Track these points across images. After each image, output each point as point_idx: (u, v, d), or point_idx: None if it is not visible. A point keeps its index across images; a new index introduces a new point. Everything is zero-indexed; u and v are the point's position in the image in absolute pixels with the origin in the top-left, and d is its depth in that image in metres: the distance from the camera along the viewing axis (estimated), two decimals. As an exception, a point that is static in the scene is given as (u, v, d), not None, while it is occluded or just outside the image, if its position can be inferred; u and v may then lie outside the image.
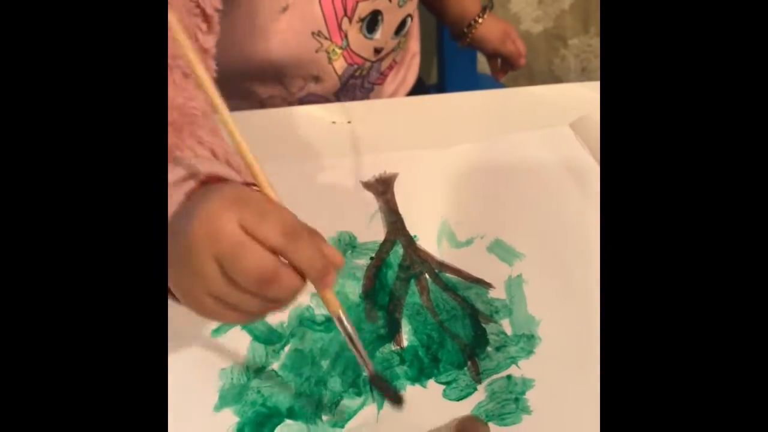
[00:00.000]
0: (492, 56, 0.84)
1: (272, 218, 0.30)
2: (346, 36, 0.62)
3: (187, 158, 0.35)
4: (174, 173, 0.34)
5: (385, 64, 0.70)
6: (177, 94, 0.38)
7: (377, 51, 0.66)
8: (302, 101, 0.66)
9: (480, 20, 0.79)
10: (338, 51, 0.63)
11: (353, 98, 0.69)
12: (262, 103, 0.66)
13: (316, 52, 0.61)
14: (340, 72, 0.64)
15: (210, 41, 0.45)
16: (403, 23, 0.67)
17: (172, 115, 0.37)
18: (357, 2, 0.60)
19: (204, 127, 0.38)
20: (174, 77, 0.39)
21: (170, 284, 0.32)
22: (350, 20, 0.61)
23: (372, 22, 0.63)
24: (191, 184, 0.34)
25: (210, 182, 0.35)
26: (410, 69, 0.77)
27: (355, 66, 0.65)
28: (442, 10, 0.82)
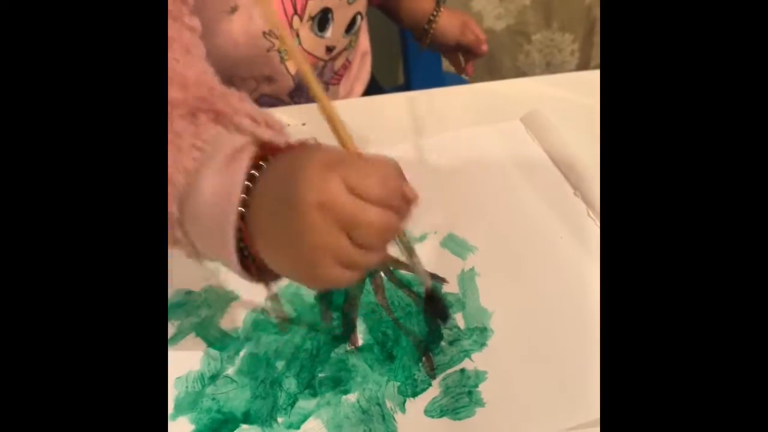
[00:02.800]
0: (453, 52, 0.84)
1: (371, 173, 0.31)
2: (297, 35, 0.62)
3: (236, 126, 0.35)
4: (231, 140, 0.33)
5: (338, 64, 0.70)
6: (188, 70, 0.37)
7: (329, 50, 0.66)
8: (256, 103, 0.66)
9: (437, 14, 0.80)
10: None
11: (308, 100, 0.69)
12: None
13: (268, 51, 0.61)
14: (293, 72, 0.64)
15: (195, 21, 0.43)
16: (353, 21, 0.68)
17: (197, 91, 0.36)
18: (306, 1, 0.61)
19: (232, 95, 0.37)
20: (176, 55, 0.38)
21: (277, 264, 0.33)
22: (301, 18, 0.61)
23: (322, 20, 0.63)
24: (253, 149, 0.33)
25: (267, 148, 0.34)
26: (363, 67, 0.78)
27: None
28: (399, 14, 0.83)
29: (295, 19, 0.61)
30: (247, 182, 0.32)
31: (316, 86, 0.34)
